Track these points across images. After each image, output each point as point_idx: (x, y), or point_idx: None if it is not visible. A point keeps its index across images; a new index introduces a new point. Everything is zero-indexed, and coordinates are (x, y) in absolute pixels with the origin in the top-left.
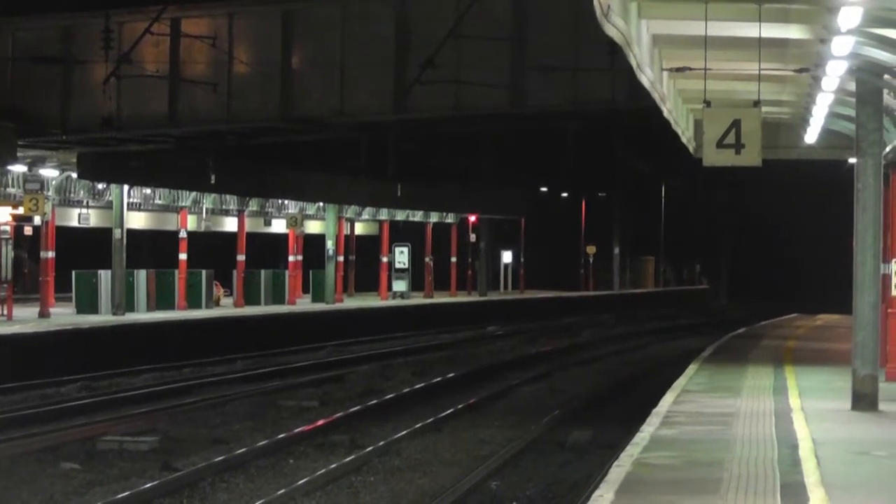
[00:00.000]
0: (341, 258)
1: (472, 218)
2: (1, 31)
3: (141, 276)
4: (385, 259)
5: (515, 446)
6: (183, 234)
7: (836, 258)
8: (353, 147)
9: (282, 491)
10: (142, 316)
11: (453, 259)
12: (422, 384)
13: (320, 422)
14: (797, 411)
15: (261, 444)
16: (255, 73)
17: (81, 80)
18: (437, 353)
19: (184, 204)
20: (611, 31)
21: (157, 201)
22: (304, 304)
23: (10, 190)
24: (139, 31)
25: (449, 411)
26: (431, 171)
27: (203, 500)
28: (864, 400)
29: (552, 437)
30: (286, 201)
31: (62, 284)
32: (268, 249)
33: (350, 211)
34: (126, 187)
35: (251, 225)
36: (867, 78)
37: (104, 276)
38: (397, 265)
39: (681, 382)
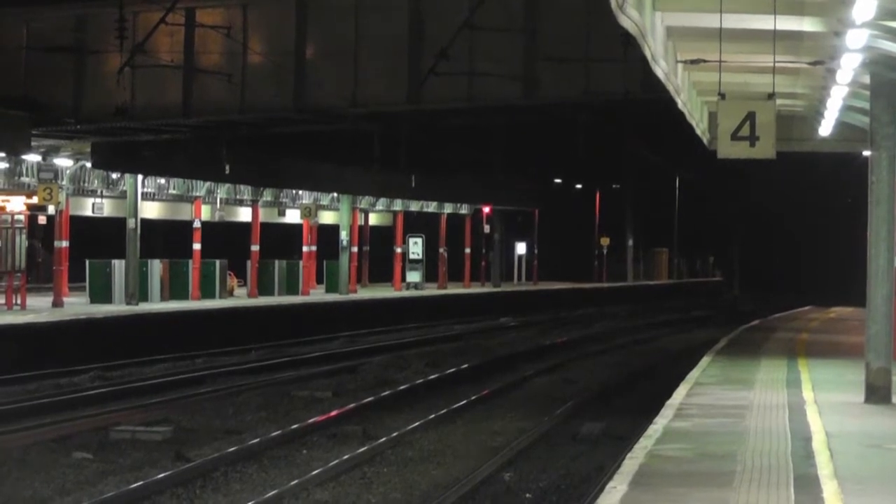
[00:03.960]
0: (355, 249)
1: (486, 209)
2: (15, 21)
3: (155, 265)
4: (399, 250)
5: (528, 438)
6: (197, 224)
7: (851, 250)
8: (366, 138)
9: (295, 481)
10: (155, 306)
11: (467, 250)
12: (435, 375)
13: (333, 412)
14: (810, 404)
15: (274, 434)
16: (269, 64)
17: (95, 70)
18: (450, 344)
19: (198, 194)
20: (625, 22)
21: (171, 191)
22: (318, 294)
23: (25, 179)
24: (154, 20)
25: (462, 402)
26: (445, 162)
27: (216, 490)
28: (878, 393)
29: (565, 429)
30: (300, 191)
31: (76, 274)
32: (282, 240)
33: (364, 202)
34: (140, 177)
35: (265, 215)
36: (881, 71)
37: (118, 265)
38: (411, 256)
39: (694, 374)
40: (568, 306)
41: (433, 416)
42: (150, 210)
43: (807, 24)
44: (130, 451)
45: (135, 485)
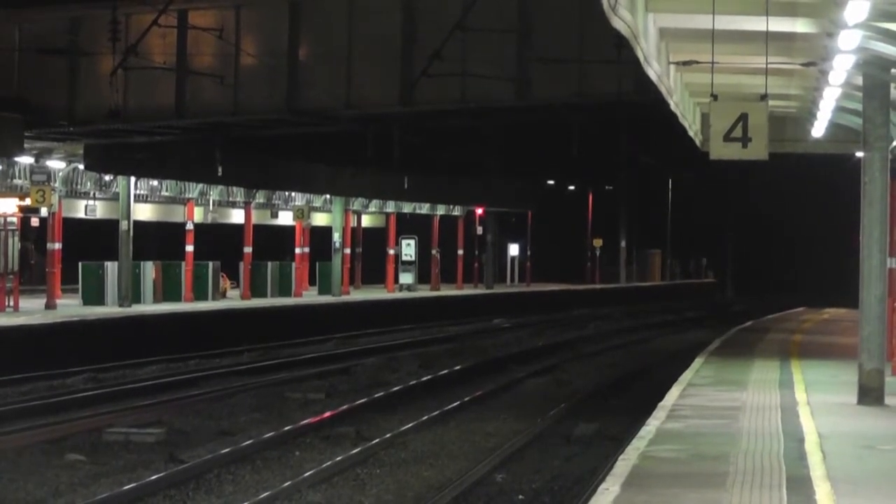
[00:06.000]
0: (348, 250)
1: (479, 210)
2: (8, 23)
3: (147, 267)
4: (392, 251)
5: (521, 439)
6: (189, 226)
7: (844, 252)
8: (359, 139)
9: (288, 483)
10: (148, 308)
11: (460, 252)
12: (428, 376)
13: (326, 414)
14: (803, 405)
15: (267, 435)
16: (261, 65)
17: (88, 72)
18: (443, 346)
19: (190, 196)
20: (618, 24)
21: (164, 193)
22: (311, 296)
23: (17, 181)
24: (146, 22)
25: (455, 404)
26: (438, 163)
27: (209, 492)
28: (871, 394)
29: (558, 430)
30: (293, 193)
31: (69, 276)
32: (275, 241)
33: (357, 203)
34: (133, 179)
35: (258, 217)
36: (874, 72)
37: (111, 267)
38: (404, 257)
39: (687, 376)
40: (561, 308)
41: (426, 417)
42: (143, 212)
43: (799, 26)
44: (123, 453)
45: (128, 486)
